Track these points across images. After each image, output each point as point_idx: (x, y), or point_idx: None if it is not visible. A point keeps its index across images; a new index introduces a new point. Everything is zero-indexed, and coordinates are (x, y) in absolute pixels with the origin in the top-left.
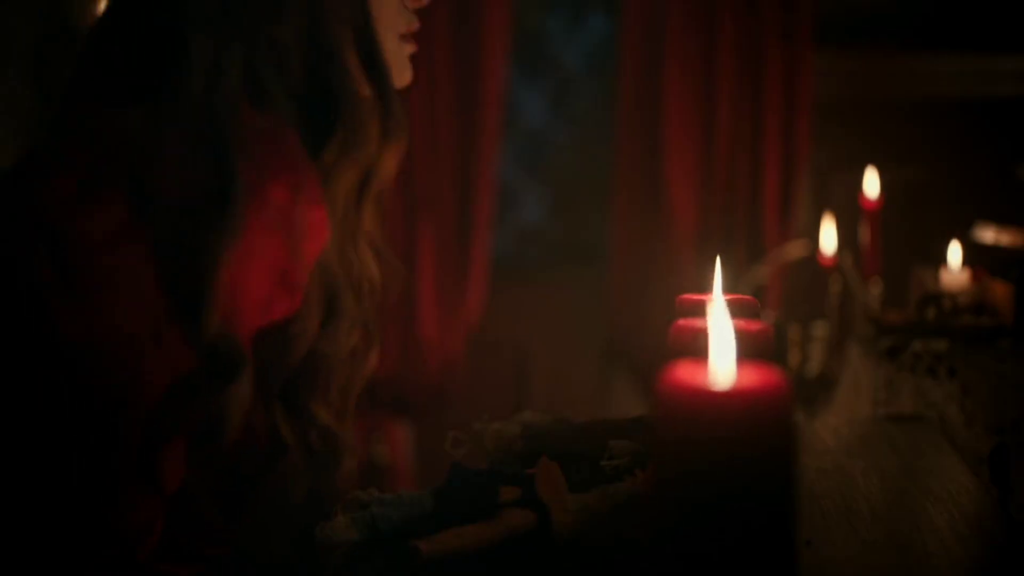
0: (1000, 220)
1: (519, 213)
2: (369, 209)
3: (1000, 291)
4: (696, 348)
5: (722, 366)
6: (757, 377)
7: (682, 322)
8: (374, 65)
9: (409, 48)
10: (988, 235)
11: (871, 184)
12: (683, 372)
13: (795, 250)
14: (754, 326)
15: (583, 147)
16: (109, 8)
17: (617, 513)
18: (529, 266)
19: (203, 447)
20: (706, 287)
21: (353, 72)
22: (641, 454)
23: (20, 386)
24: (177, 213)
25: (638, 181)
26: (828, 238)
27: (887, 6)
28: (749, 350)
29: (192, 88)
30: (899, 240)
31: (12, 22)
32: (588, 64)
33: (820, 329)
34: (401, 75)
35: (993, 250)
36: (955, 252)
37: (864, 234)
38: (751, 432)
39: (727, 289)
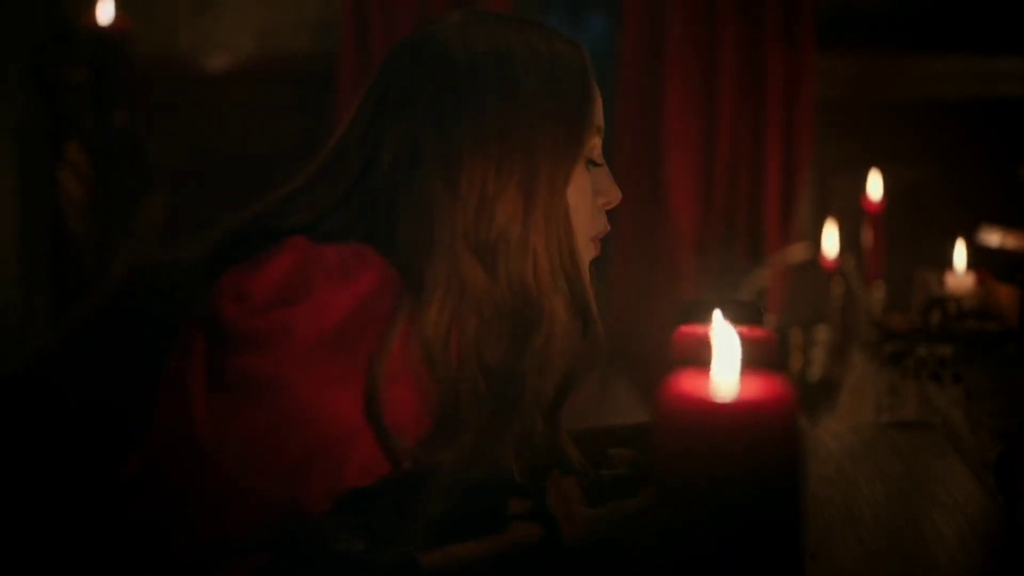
0: (1003, 221)
1: None
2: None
3: (1006, 295)
4: (699, 356)
5: (725, 376)
6: (761, 387)
7: (684, 329)
8: (572, 279)
9: (595, 251)
10: (993, 238)
11: (874, 187)
12: (685, 382)
13: (797, 253)
14: (757, 333)
15: None
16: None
17: (628, 527)
18: None
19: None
20: (706, 292)
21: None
22: (641, 463)
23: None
24: None
25: (638, 183)
26: (830, 241)
27: (889, 8)
28: (753, 358)
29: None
30: (901, 242)
31: (10, 22)
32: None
33: (822, 333)
34: (588, 275)
35: (998, 253)
36: (960, 255)
37: (867, 237)
38: (756, 444)
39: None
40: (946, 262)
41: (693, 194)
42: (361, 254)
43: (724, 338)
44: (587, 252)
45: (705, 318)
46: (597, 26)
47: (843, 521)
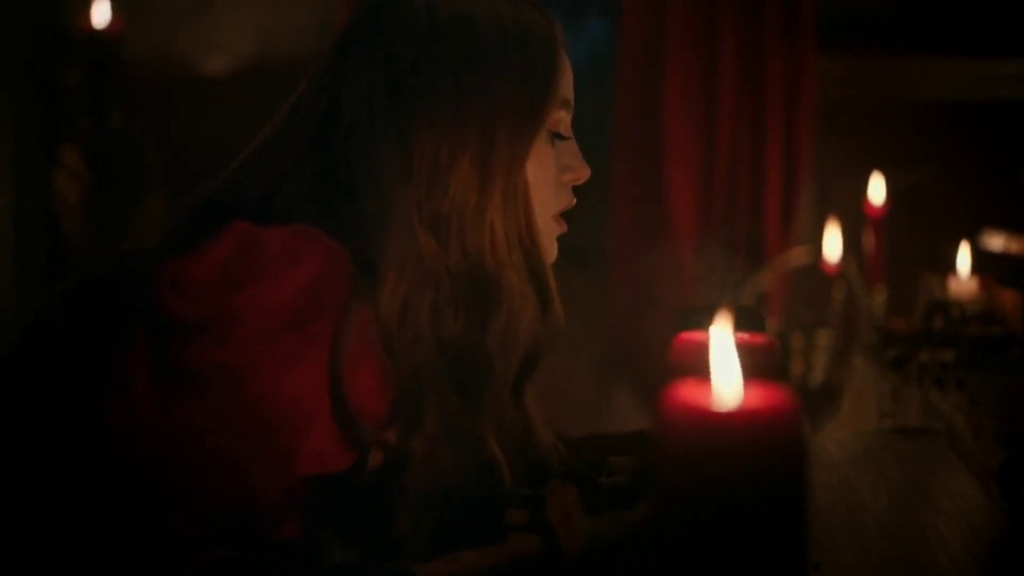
0: (1005, 225)
1: None
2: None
3: (1009, 300)
4: (700, 364)
5: (727, 385)
6: (764, 396)
7: (684, 336)
8: (530, 255)
9: (559, 228)
10: (996, 242)
11: (876, 189)
12: (686, 392)
13: (797, 256)
14: (759, 340)
15: (581, 150)
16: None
17: (629, 539)
18: None
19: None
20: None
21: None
22: (641, 471)
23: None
24: None
25: (637, 185)
26: (832, 245)
27: (891, 9)
28: (754, 366)
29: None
30: (903, 246)
31: (6, 24)
32: (585, 68)
33: (824, 338)
34: (551, 251)
35: (1002, 258)
36: (963, 259)
37: (868, 240)
38: (759, 456)
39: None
40: (948, 266)
41: (693, 196)
42: (307, 235)
43: (725, 346)
44: (549, 228)
45: (706, 324)
46: (597, 27)
47: (848, 530)
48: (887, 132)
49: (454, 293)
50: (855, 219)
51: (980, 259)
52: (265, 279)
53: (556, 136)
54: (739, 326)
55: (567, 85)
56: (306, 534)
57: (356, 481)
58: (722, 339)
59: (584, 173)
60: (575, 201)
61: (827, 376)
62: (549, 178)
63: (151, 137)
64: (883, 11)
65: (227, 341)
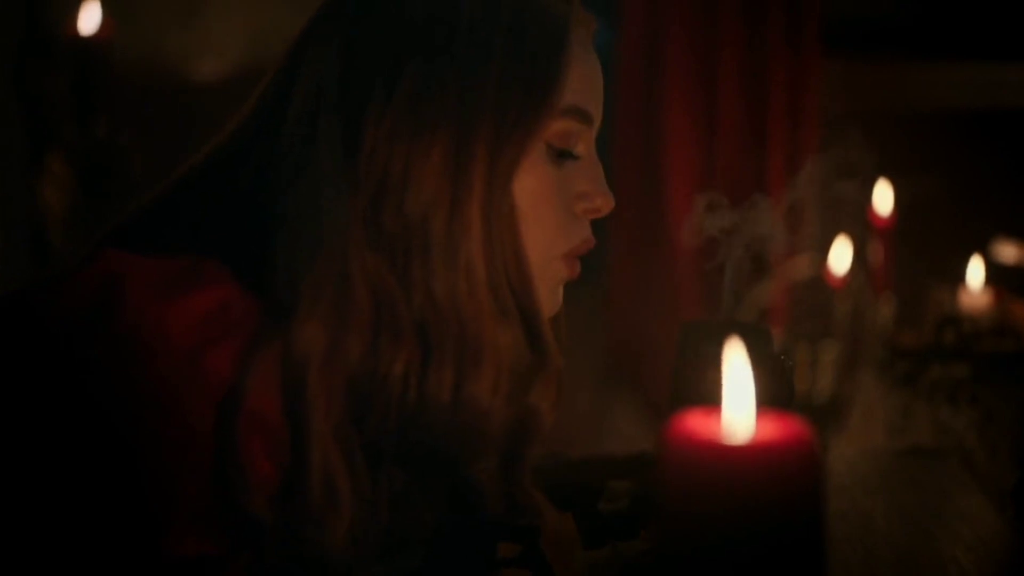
0: (1017, 235)
1: None
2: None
3: (1023, 313)
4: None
5: (738, 415)
6: (779, 428)
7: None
8: (518, 294)
9: (567, 272)
10: (1010, 253)
11: (883, 198)
12: (693, 422)
13: (802, 266)
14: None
15: None
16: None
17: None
18: None
19: None
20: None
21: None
22: (643, 497)
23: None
24: None
25: (637, 189)
26: (840, 258)
27: (897, 15)
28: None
29: None
30: (910, 256)
31: None
32: None
33: (829, 351)
34: (552, 301)
35: (1016, 269)
36: (975, 271)
37: (876, 250)
38: (773, 493)
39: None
40: (958, 277)
41: (695, 204)
42: (195, 270)
43: (736, 372)
44: (552, 271)
45: (709, 340)
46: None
47: (861, 561)
48: (894, 140)
49: (414, 344)
50: (862, 228)
51: (992, 270)
52: (133, 315)
53: (565, 155)
54: (746, 345)
55: (585, 91)
56: None
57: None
58: (734, 364)
59: (605, 204)
60: (593, 241)
61: (834, 390)
62: (553, 207)
63: (139, 143)
64: (889, 17)
65: (87, 381)
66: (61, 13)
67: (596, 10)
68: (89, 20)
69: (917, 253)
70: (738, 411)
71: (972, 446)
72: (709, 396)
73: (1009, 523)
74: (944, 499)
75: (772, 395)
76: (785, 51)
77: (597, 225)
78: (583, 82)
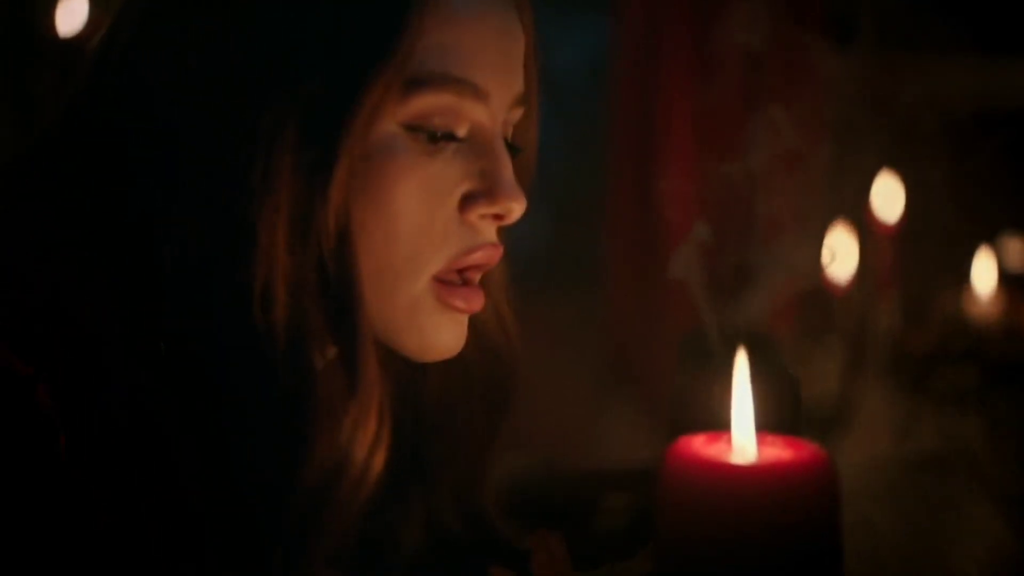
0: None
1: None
2: None
3: None
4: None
5: (745, 434)
6: (788, 448)
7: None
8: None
9: (448, 296)
10: (1019, 254)
11: (890, 197)
12: (698, 441)
13: (804, 270)
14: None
15: (574, 155)
16: None
17: None
18: (514, 282)
19: None
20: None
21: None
22: (643, 513)
23: None
24: None
25: (635, 191)
26: (844, 258)
27: (902, 10)
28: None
29: None
30: (916, 256)
31: None
32: (582, 75)
33: (833, 352)
34: (432, 334)
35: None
36: (983, 272)
37: (882, 250)
38: (782, 516)
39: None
40: (964, 278)
41: (692, 209)
42: None
43: (744, 390)
44: (423, 293)
45: (710, 354)
46: (595, 29)
47: (865, 572)
48: (900, 136)
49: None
50: (867, 227)
51: (1001, 273)
52: None
53: (448, 138)
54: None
55: (468, 56)
56: None
57: None
58: (738, 381)
59: (512, 208)
60: (495, 255)
61: (837, 396)
62: (422, 204)
63: None
64: (897, 13)
65: None
66: (48, 11)
67: (596, 10)
68: (76, 18)
69: (921, 252)
70: (743, 429)
71: (979, 451)
72: (712, 413)
73: (1017, 533)
74: (954, 509)
75: (778, 409)
76: (788, 49)
77: (596, 225)
78: (463, 46)
